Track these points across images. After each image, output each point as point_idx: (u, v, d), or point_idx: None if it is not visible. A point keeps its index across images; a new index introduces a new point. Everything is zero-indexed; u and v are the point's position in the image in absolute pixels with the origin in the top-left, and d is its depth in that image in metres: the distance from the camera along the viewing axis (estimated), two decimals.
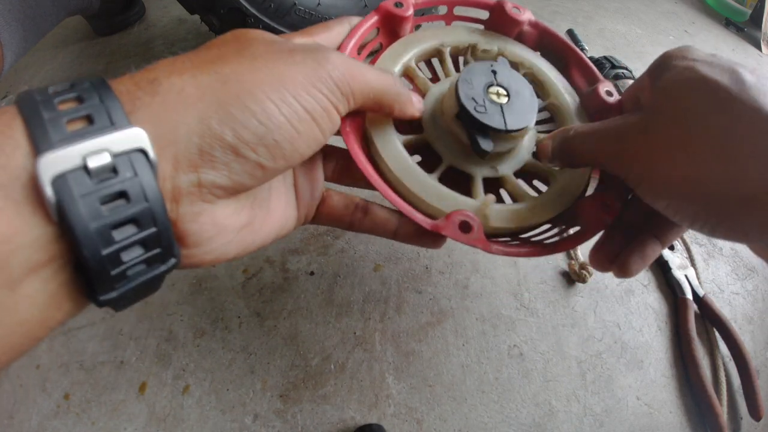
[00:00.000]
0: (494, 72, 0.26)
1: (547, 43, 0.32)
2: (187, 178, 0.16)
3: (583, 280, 0.43)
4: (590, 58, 0.31)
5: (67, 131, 0.13)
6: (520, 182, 0.30)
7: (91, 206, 0.13)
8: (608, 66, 0.63)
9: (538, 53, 0.32)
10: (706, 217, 0.19)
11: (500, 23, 0.31)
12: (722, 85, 0.18)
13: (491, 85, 0.26)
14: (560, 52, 0.32)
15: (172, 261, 0.16)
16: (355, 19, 0.27)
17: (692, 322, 0.41)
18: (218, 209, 0.18)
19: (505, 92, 0.26)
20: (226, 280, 0.41)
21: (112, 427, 0.34)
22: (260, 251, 0.43)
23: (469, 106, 0.25)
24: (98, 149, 0.13)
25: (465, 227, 0.23)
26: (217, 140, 0.16)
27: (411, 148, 0.27)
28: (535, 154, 0.29)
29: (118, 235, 0.14)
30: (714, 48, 0.79)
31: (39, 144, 0.13)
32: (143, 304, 0.39)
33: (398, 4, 0.28)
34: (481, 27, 0.32)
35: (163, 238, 0.15)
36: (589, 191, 0.28)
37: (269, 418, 0.35)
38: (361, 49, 0.28)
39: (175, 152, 0.15)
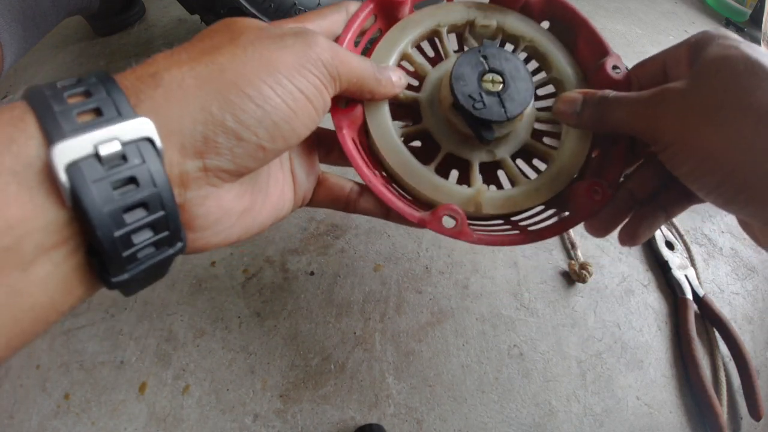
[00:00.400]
0: (485, 57, 0.26)
1: (554, 12, 0.30)
2: (194, 164, 0.17)
3: (583, 280, 0.43)
4: None
5: (78, 122, 0.14)
6: (521, 162, 0.30)
7: (103, 191, 0.14)
8: None
9: (546, 23, 0.31)
10: (726, 187, 0.20)
11: None
12: (760, 65, 0.19)
13: (484, 73, 0.26)
14: (569, 21, 0.30)
15: (179, 245, 0.17)
16: (353, 6, 0.27)
17: (692, 322, 0.41)
18: (223, 192, 0.19)
19: (499, 78, 0.26)
20: (226, 280, 0.41)
21: (112, 427, 0.34)
22: (260, 251, 0.43)
23: (467, 104, 0.25)
24: (108, 138, 0.14)
25: (449, 221, 0.24)
26: (219, 126, 0.17)
27: (411, 137, 0.27)
28: (533, 135, 0.28)
29: (129, 218, 0.15)
30: None
31: (52, 134, 0.14)
32: (143, 304, 0.39)
33: None
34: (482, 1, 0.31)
35: (171, 221, 0.16)
36: None
37: (269, 418, 0.35)
38: (360, 36, 0.28)
39: (181, 140, 0.16)
